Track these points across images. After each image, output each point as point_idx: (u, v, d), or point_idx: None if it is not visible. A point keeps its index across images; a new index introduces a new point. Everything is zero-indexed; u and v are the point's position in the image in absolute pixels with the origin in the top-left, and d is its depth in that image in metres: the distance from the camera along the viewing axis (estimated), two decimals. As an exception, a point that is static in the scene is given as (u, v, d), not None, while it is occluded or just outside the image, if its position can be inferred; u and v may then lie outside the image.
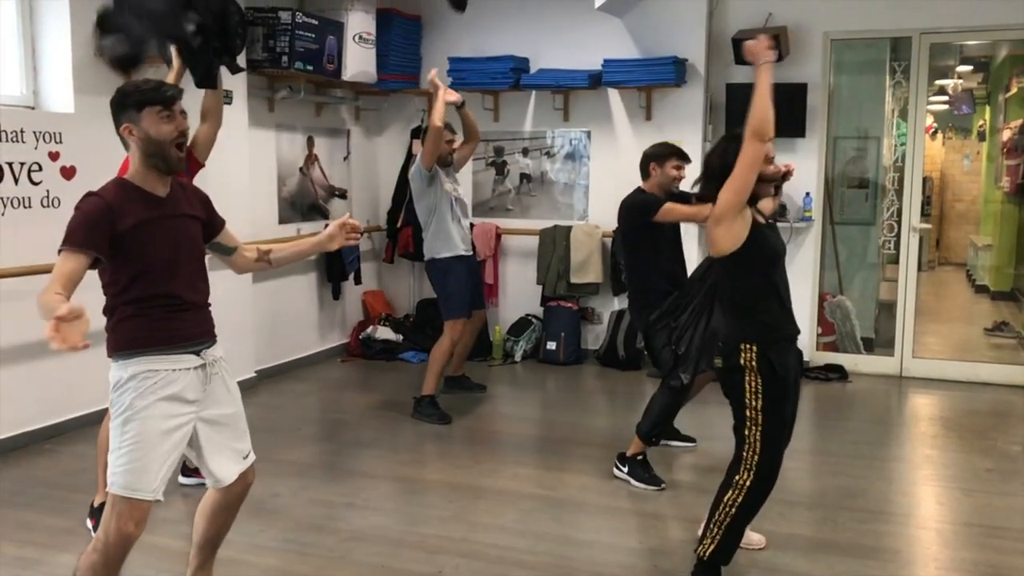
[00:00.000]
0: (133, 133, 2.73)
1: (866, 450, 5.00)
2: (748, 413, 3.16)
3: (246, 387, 6.16)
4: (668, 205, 4.42)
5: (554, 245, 7.17)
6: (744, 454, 3.19)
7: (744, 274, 3.18)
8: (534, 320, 7.38)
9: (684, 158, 4.64)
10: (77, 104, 5.17)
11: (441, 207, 5.53)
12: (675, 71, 6.66)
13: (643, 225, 4.49)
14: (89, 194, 2.71)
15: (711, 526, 3.25)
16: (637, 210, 4.52)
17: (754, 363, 3.12)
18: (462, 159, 5.90)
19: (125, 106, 2.74)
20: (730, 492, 3.21)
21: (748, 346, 3.13)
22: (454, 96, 5.51)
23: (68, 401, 5.21)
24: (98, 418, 5.34)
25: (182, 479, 4.42)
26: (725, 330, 3.26)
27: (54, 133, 5.04)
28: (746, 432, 3.18)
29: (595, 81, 6.94)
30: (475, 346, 7.20)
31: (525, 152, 7.45)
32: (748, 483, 3.18)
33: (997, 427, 5.60)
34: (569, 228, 7.15)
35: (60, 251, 2.64)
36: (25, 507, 4.18)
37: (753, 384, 3.13)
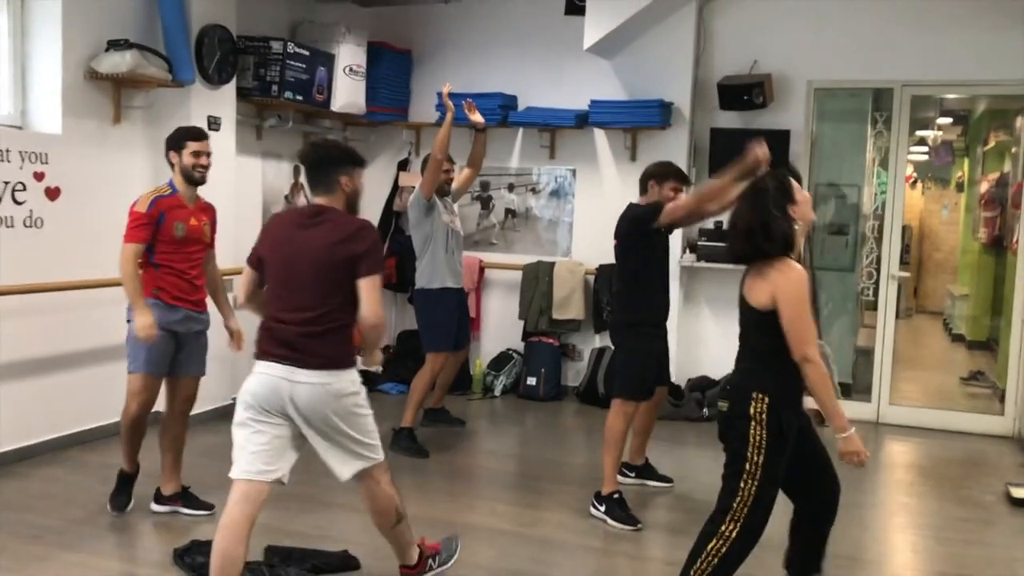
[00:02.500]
0: None
1: (841, 496, 5.00)
2: (747, 466, 3.03)
3: (222, 414, 6.12)
4: (669, 205, 4.50)
5: (537, 281, 7.19)
6: (734, 504, 3.05)
7: (778, 329, 3.05)
8: (515, 355, 7.38)
9: (683, 180, 4.75)
10: (64, 126, 5.17)
11: (436, 237, 5.54)
12: (661, 114, 6.75)
13: (643, 234, 4.56)
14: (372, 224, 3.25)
15: (692, 574, 3.11)
16: (640, 219, 4.59)
17: (764, 416, 3.02)
18: (461, 188, 5.94)
19: None
20: (713, 542, 3.07)
21: (761, 397, 3.04)
22: (478, 118, 5.53)
23: (41, 424, 5.15)
24: (72, 441, 5.30)
25: (154, 506, 4.37)
26: (738, 377, 3.18)
27: (40, 153, 5.03)
28: (740, 484, 3.04)
29: (582, 121, 7.01)
30: (455, 380, 7.18)
31: (511, 188, 7.50)
32: (734, 535, 3.05)
33: (971, 476, 5.63)
34: (552, 264, 7.18)
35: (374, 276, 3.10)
36: (-7, 531, 4.12)
37: (758, 437, 3.02)
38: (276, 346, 3.13)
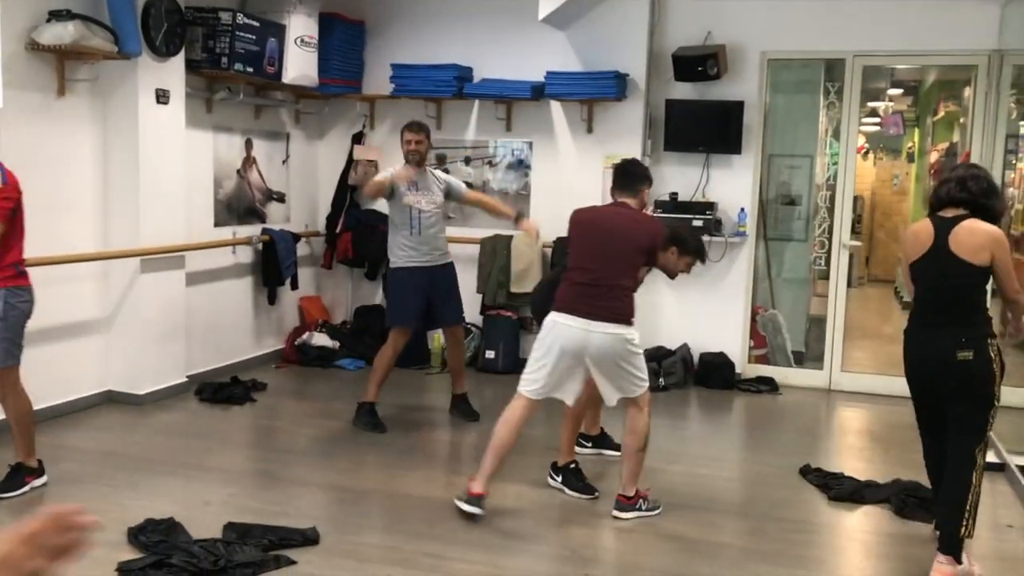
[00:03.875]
0: None
1: (795, 461, 5.10)
2: (992, 398, 3.58)
3: (177, 392, 6.07)
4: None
5: (495, 254, 7.18)
6: (983, 436, 3.61)
7: (986, 284, 3.65)
8: (473, 328, 7.38)
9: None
10: (6, 99, 5.00)
11: (397, 220, 5.52)
12: (616, 85, 6.74)
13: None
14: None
15: (968, 508, 3.58)
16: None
17: (998, 355, 3.59)
18: (469, 200, 6.02)
19: None
20: (974, 476, 3.60)
21: (993, 342, 3.60)
22: (534, 232, 5.63)
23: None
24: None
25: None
26: (968, 329, 3.60)
27: (-19, 128, 4.89)
28: (988, 416, 3.60)
29: (538, 93, 6.98)
30: (412, 355, 7.20)
31: (467, 161, 7.46)
32: (983, 460, 3.64)
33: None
34: (510, 238, 7.17)
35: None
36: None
37: (998, 373, 3.57)
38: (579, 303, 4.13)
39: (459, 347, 5.96)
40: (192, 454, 4.95)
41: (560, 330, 4.11)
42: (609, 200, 4.43)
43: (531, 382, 4.22)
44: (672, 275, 4.75)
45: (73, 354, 5.64)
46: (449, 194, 5.69)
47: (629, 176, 4.38)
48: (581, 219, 4.35)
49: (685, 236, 4.72)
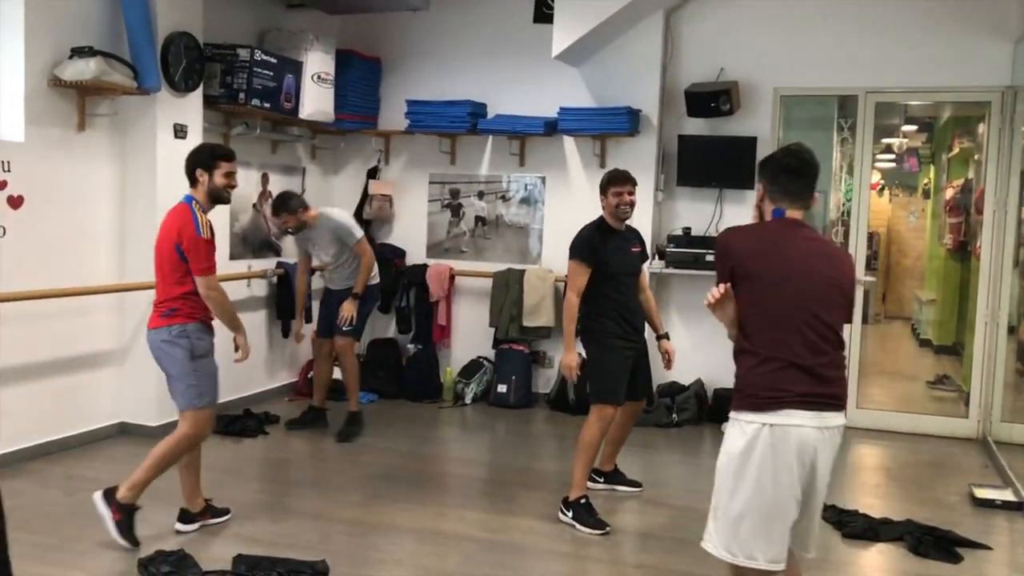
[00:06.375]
0: None
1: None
2: None
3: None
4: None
5: (507, 288, 7.20)
6: None
7: None
8: (486, 363, 7.38)
9: (622, 182, 4.77)
10: (28, 134, 5.12)
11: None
12: (629, 121, 6.79)
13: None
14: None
15: None
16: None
17: None
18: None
19: None
20: None
21: None
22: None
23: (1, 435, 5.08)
24: (35, 452, 5.23)
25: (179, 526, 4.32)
26: None
27: (3, 162, 4.98)
28: None
29: (551, 128, 7.04)
30: (425, 387, 7.24)
31: (481, 195, 7.51)
32: None
33: (937, 477, 5.69)
34: (522, 272, 7.19)
35: None
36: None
37: None
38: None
39: (328, 361, 6.42)
40: (203, 486, 4.95)
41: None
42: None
43: None
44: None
45: (88, 386, 5.67)
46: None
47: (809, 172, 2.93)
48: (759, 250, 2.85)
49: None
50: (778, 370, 2.71)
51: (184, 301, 4.07)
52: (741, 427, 2.75)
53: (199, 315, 4.12)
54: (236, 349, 4.38)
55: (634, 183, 4.73)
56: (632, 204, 4.73)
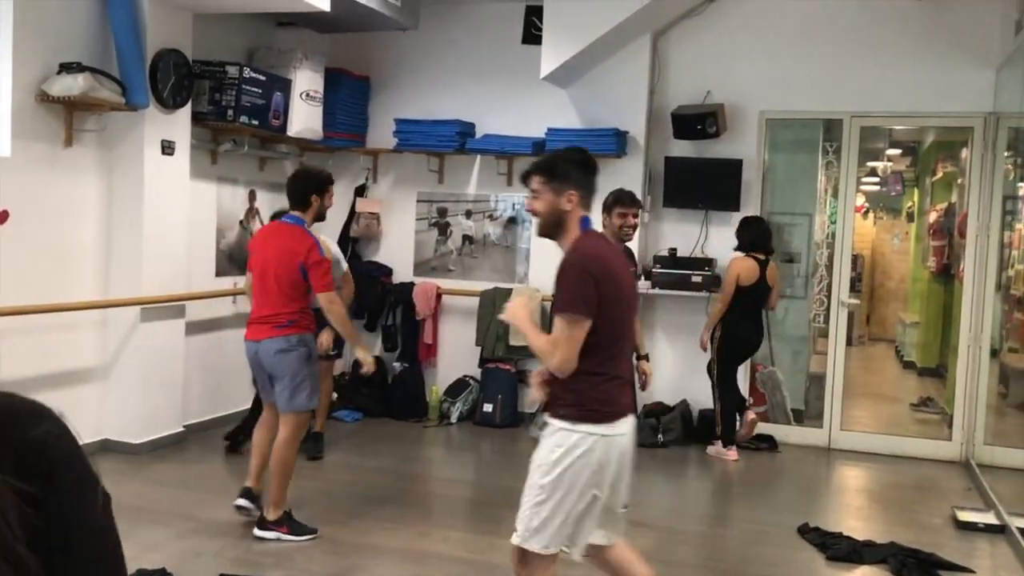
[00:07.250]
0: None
1: (792, 519, 5.05)
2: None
3: (173, 441, 6.04)
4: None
5: (494, 307, 7.19)
6: None
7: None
8: (472, 381, 7.37)
9: (626, 203, 4.83)
10: (14, 148, 5.10)
11: None
12: (616, 142, 6.83)
13: None
14: None
15: None
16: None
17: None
18: None
19: None
20: None
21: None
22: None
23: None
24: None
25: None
26: None
27: (-12, 176, 4.96)
28: None
29: (539, 148, 7.06)
30: (411, 406, 7.22)
31: (468, 214, 7.53)
32: None
33: (920, 500, 5.71)
34: (510, 290, 7.20)
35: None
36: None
37: None
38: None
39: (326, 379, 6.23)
40: (186, 505, 4.92)
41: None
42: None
43: None
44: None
45: (70, 402, 5.63)
46: None
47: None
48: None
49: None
50: (617, 386, 2.87)
51: (301, 314, 4.51)
52: (574, 435, 2.84)
53: (312, 326, 4.60)
54: (358, 365, 4.80)
55: (640, 206, 4.78)
56: (635, 227, 4.77)
